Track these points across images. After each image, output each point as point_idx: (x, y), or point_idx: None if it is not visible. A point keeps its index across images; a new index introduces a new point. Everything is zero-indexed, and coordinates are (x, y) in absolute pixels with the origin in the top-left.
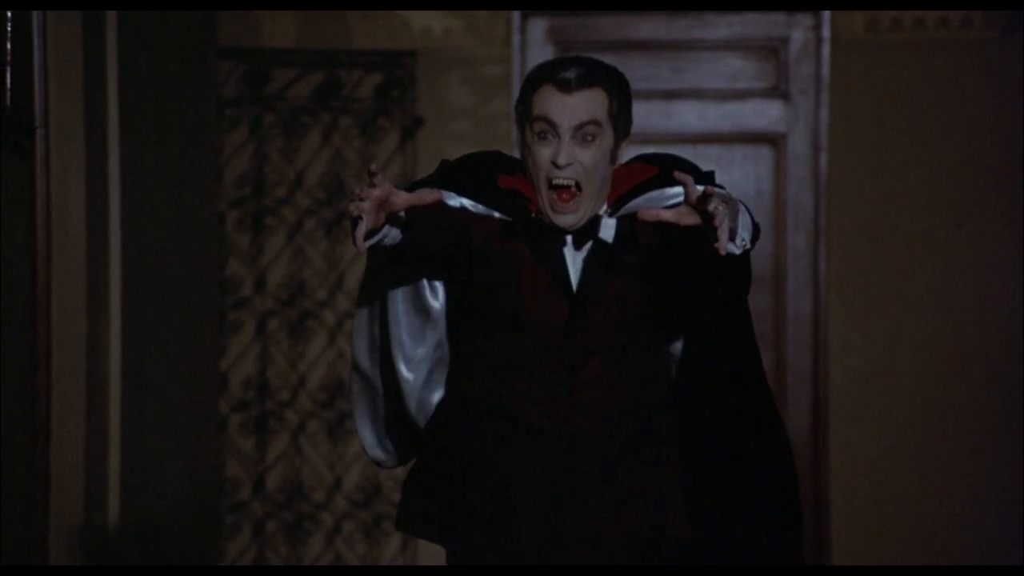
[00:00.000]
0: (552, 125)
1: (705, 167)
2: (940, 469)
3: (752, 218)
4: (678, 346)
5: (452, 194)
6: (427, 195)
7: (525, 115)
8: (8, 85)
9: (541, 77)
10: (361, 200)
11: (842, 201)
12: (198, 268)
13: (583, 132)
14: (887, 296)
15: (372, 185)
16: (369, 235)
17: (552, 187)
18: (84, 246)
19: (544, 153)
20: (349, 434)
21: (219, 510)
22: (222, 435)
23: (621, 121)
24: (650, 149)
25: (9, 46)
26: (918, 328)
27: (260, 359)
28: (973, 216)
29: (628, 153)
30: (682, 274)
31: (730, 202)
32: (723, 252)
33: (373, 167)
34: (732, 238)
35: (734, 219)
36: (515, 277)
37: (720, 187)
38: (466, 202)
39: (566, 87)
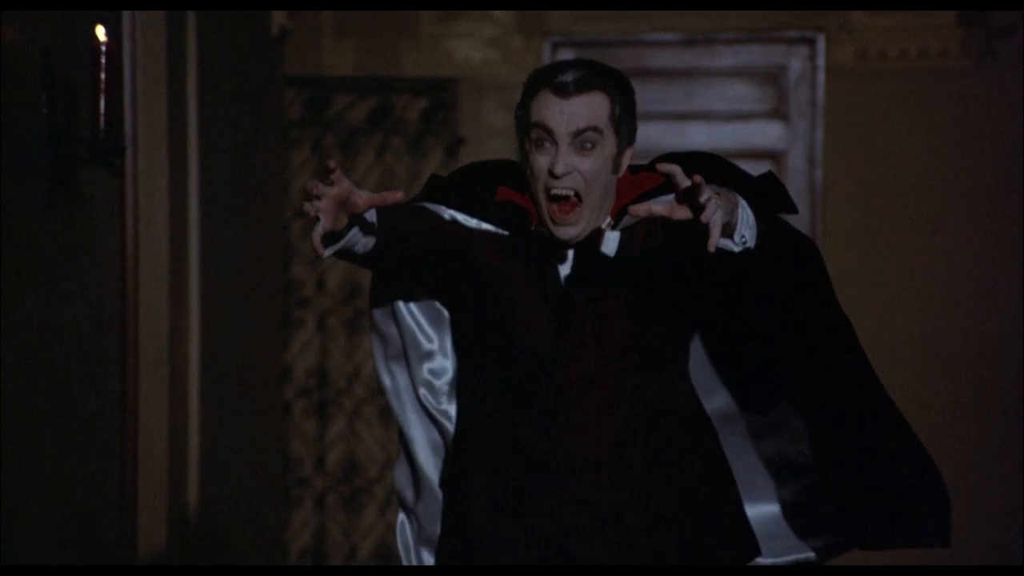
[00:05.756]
0: (549, 132)
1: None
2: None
3: (754, 214)
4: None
5: (442, 207)
6: (390, 195)
7: (523, 122)
8: (102, 111)
9: (539, 82)
10: (317, 198)
11: (835, 210)
12: (266, 271)
13: (582, 139)
14: (875, 295)
15: (330, 183)
16: (332, 240)
17: (551, 198)
18: (167, 252)
19: (541, 162)
20: None
21: (285, 484)
22: (287, 418)
23: (624, 127)
24: None
25: (103, 76)
26: (903, 324)
27: (320, 352)
28: (946, 224)
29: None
30: (691, 283)
31: (724, 195)
32: (712, 248)
33: (331, 163)
34: (731, 234)
35: (730, 213)
36: (508, 297)
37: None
38: (458, 215)
39: (563, 91)
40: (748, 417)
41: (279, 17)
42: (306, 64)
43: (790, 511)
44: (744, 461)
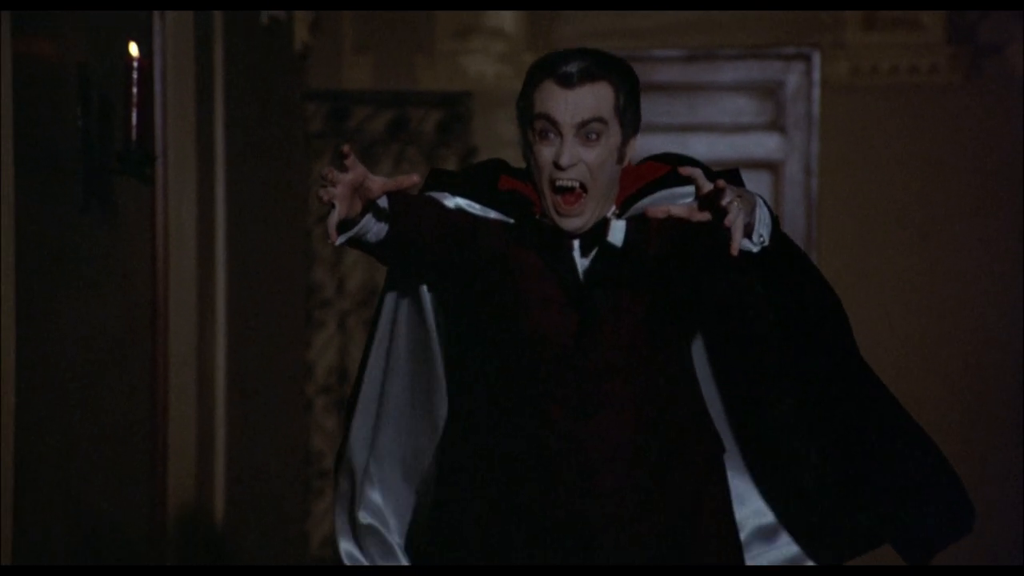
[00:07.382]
0: (553, 123)
1: None
2: None
3: (770, 211)
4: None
5: (447, 195)
6: (405, 179)
7: (526, 113)
8: (134, 123)
9: (542, 72)
10: (332, 184)
11: (830, 219)
12: (289, 274)
13: (587, 130)
14: (869, 297)
15: (344, 168)
16: (345, 227)
17: (556, 189)
18: (195, 256)
19: (546, 153)
20: None
21: (307, 476)
22: (309, 414)
23: (629, 117)
24: None
25: (135, 90)
26: (897, 331)
27: (340, 351)
28: (936, 230)
29: None
30: (699, 277)
31: (745, 196)
32: (735, 252)
33: (345, 148)
34: (749, 234)
35: (750, 214)
36: (520, 286)
37: (741, 184)
38: (462, 202)
39: (567, 82)
40: (750, 450)
41: (301, 34)
42: (327, 79)
43: (795, 531)
44: (746, 488)
